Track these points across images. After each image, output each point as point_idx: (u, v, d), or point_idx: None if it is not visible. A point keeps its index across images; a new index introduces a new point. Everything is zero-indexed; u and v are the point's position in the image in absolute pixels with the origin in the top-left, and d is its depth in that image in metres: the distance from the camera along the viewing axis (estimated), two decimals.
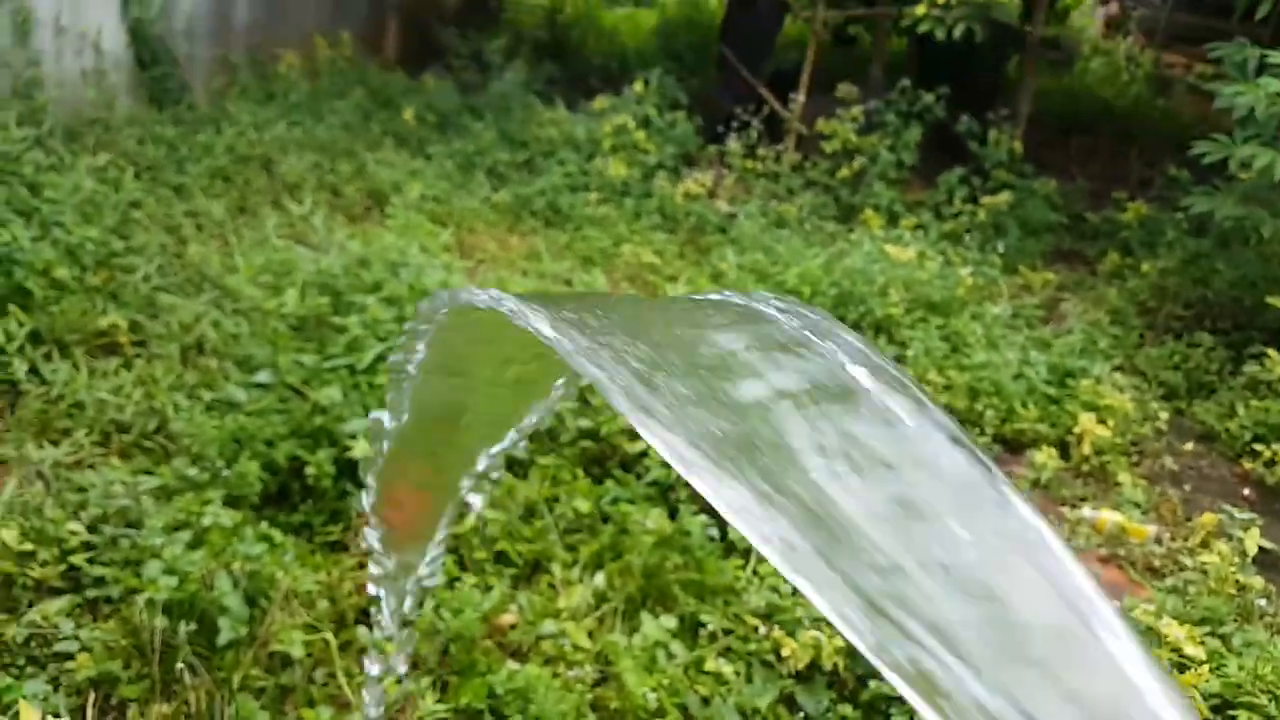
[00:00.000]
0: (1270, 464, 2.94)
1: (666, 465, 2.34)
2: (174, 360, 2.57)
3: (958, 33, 4.35)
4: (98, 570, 1.86)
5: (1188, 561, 2.45)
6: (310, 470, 2.21)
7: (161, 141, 4.06)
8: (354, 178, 4.22)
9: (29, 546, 1.85)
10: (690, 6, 8.74)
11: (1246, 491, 2.94)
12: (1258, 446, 3.01)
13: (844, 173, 4.75)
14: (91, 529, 1.95)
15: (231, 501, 2.09)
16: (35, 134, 3.44)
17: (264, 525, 2.10)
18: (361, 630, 1.90)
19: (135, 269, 2.91)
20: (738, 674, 1.87)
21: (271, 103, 4.81)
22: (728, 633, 1.97)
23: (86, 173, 3.37)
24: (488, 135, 4.92)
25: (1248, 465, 3.01)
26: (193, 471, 2.13)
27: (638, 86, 4.99)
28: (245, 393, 2.31)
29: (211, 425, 2.24)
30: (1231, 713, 1.85)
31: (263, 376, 2.34)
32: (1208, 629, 2.08)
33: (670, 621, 1.96)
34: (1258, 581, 2.29)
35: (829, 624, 1.80)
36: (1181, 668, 1.88)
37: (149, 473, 2.14)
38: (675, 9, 8.73)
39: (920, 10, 4.42)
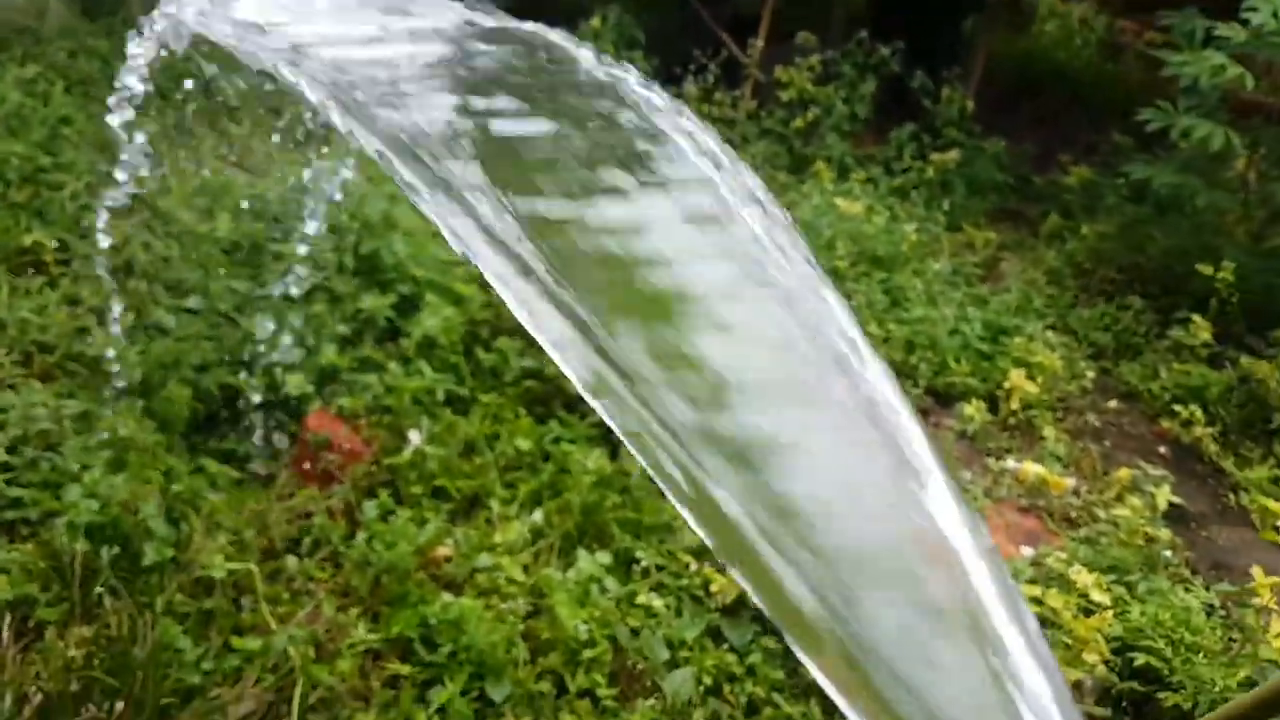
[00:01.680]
0: (1187, 424, 3.06)
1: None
2: (101, 282, 2.49)
3: None
4: (15, 492, 1.81)
5: (1102, 514, 2.55)
6: (241, 400, 2.18)
7: (95, 55, 3.87)
8: (298, 100, 4.09)
9: None
10: None
11: (1163, 449, 3.06)
12: (1176, 407, 3.13)
13: (799, 123, 4.74)
14: (10, 450, 1.89)
15: (159, 428, 2.05)
16: None
17: (192, 453, 2.07)
18: (290, 560, 1.89)
19: (63, 186, 2.80)
20: (668, 608, 1.91)
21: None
22: (660, 569, 2.01)
23: (14, 85, 3.21)
24: None
25: (1166, 424, 3.13)
26: (117, 395, 2.08)
27: (595, 22, 4.90)
28: (175, 318, 2.26)
29: (138, 350, 2.18)
30: (1131, 654, 1.95)
31: (193, 302, 2.28)
32: (1115, 577, 2.18)
33: (605, 557, 1.98)
34: (1165, 534, 2.40)
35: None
36: (1088, 612, 1.97)
37: (72, 395, 2.09)
38: None
39: None
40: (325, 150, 3.19)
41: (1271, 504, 2.66)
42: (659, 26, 5.70)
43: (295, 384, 2.17)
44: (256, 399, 2.19)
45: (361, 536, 1.92)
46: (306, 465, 2.12)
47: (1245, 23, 3.39)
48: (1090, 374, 3.31)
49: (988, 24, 5.15)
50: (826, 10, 5.62)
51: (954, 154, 4.58)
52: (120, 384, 2.09)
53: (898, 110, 4.92)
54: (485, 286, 2.63)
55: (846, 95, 4.75)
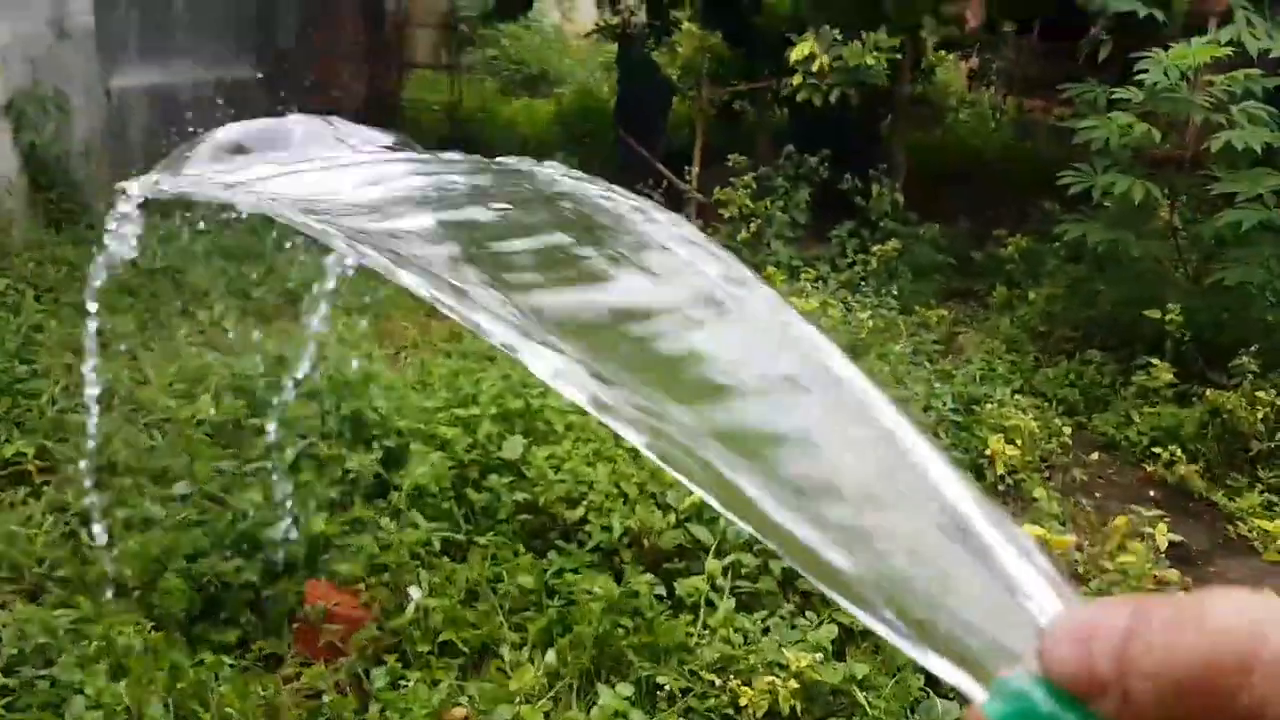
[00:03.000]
0: (1170, 464, 3.12)
1: (607, 529, 2.35)
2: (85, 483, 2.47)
3: (833, 98, 4.62)
4: (17, 718, 1.75)
5: (1108, 564, 2.56)
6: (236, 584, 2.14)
7: (62, 262, 3.97)
8: (263, 279, 4.19)
9: None
10: (585, 95, 9.02)
11: (1152, 492, 3.10)
12: (1156, 449, 3.19)
13: (744, 235, 4.94)
14: (7, 673, 1.84)
15: (158, 624, 2.01)
16: None
17: (193, 645, 2.02)
18: None
19: (40, 394, 2.82)
20: None
21: (175, 214, 4.75)
22: (685, 692, 1.96)
23: None
24: None
25: (1149, 468, 3.19)
26: (112, 598, 2.04)
27: None
28: (163, 508, 2.24)
29: (129, 547, 2.15)
30: None
31: (180, 488, 2.27)
32: None
33: (627, 689, 1.94)
34: (1173, 574, 2.41)
35: (783, 668, 1.81)
36: None
37: (66, 605, 2.05)
38: (571, 98, 9.00)
39: (796, 80, 4.69)
40: (295, 322, 3.24)
41: (1269, 525, 2.70)
42: (599, 167, 5.97)
43: (288, 557, 2.15)
44: (251, 579, 2.15)
45: (374, 709, 1.87)
46: (310, 640, 2.07)
47: (1140, 84, 3.65)
48: (1066, 430, 3.37)
49: (902, 122, 5.47)
50: (752, 132, 5.96)
51: (893, 244, 4.78)
52: (110, 590, 2.06)
53: (834, 211, 5.16)
54: (470, 428, 2.65)
55: (784, 204, 4.98)
